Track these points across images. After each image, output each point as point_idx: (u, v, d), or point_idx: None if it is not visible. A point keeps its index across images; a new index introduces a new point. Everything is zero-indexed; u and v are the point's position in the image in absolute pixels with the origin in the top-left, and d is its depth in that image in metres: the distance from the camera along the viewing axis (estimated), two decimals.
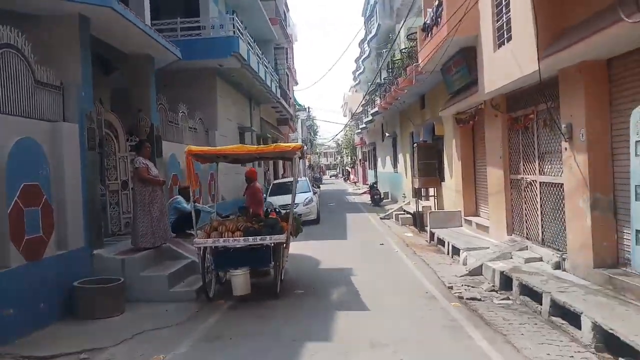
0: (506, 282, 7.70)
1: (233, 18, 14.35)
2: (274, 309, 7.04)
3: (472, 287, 7.99)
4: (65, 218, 7.17)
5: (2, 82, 6.34)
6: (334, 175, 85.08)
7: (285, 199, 15.87)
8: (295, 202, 15.13)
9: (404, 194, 21.43)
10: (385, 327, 6.08)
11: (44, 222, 6.63)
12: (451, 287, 7.96)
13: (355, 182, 52.73)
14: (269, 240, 7.43)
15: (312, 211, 17.35)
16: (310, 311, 6.89)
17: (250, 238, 7.37)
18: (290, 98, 31.19)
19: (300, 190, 17.17)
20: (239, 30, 14.30)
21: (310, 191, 18.13)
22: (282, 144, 11.15)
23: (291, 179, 22.96)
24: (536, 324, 6.05)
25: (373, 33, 27.42)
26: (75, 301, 6.99)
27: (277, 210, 9.62)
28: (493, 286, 7.90)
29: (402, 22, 14.55)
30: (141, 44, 9.65)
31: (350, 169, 63.64)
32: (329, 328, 6.11)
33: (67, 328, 6.49)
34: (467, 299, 7.26)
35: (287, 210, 9.05)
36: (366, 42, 31.39)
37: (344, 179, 66.37)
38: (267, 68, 19.36)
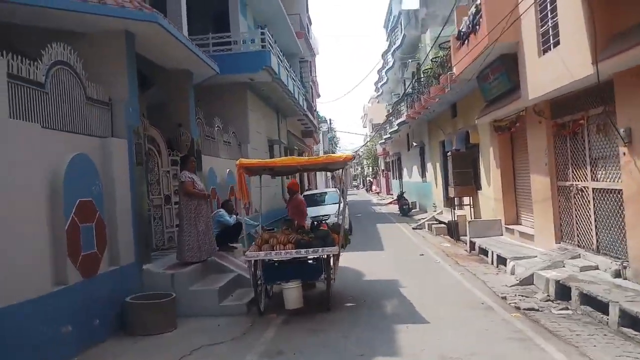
0: (562, 291, 7.49)
1: (264, 32, 14.37)
2: (329, 323, 6.87)
3: (526, 297, 7.78)
4: (116, 234, 7.17)
5: (57, 99, 6.37)
6: (355, 186, 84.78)
7: (317, 211, 15.72)
8: (328, 213, 15.20)
9: (434, 204, 21.19)
10: (451, 340, 5.89)
11: (98, 238, 6.66)
12: (505, 298, 7.77)
13: (378, 193, 52.47)
14: (322, 252, 7.33)
15: (345, 222, 17.19)
16: (367, 325, 6.72)
17: (303, 250, 7.27)
18: (315, 110, 31.21)
19: (331, 201, 17.04)
20: (269, 44, 14.33)
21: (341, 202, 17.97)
22: (333, 154, 11.10)
23: (320, 190, 23.04)
24: (605, 335, 5.84)
25: (397, 44, 27.41)
26: (128, 317, 6.96)
27: (325, 221, 9.51)
28: (548, 296, 7.68)
29: (439, 31, 14.45)
30: (182, 59, 9.71)
31: (372, 180, 63.39)
32: (392, 342, 5.95)
33: (122, 345, 6.44)
34: (524, 309, 7.07)
35: (334, 222, 8.91)
36: (390, 53, 31.39)
37: (366, 190, 66.12)
38: (294, 81, 19.40)
